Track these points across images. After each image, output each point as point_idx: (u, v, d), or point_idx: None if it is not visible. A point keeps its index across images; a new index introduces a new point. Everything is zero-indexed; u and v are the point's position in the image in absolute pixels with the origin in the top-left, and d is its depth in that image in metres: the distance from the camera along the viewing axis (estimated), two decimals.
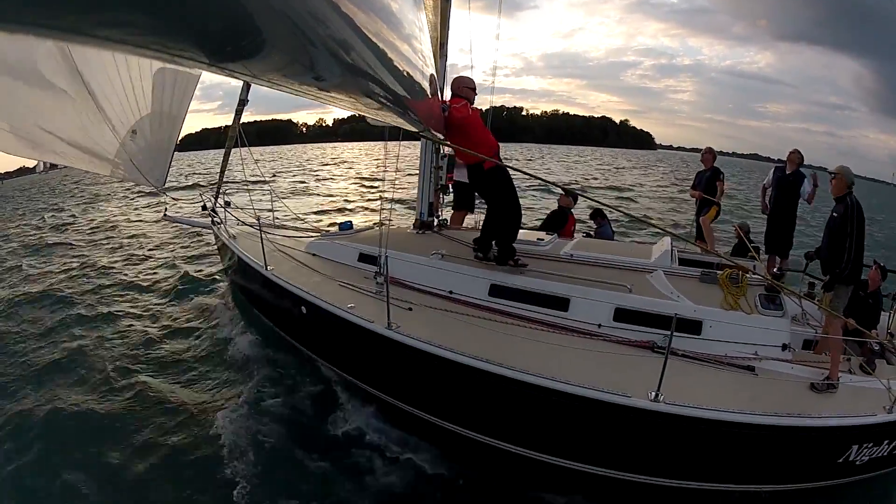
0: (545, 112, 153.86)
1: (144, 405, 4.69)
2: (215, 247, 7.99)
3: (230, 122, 6.75)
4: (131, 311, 7.07)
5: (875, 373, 3.73)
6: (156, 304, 7.36)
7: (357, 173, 29.57)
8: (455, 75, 4.84)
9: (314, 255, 5.35)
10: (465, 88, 4.53)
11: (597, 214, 6.78)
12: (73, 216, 16.74)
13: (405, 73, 2.41)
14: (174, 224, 9.25)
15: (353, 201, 18.10)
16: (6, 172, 43.57)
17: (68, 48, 4.49)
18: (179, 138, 6.55)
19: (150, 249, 10.89)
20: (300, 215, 8.78)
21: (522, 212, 4.61)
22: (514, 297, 4.18)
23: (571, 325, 3.92)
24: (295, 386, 4.87)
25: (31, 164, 41.02)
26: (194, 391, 4.99)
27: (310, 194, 20.36)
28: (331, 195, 20.11)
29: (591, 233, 6.99)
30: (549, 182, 6.77)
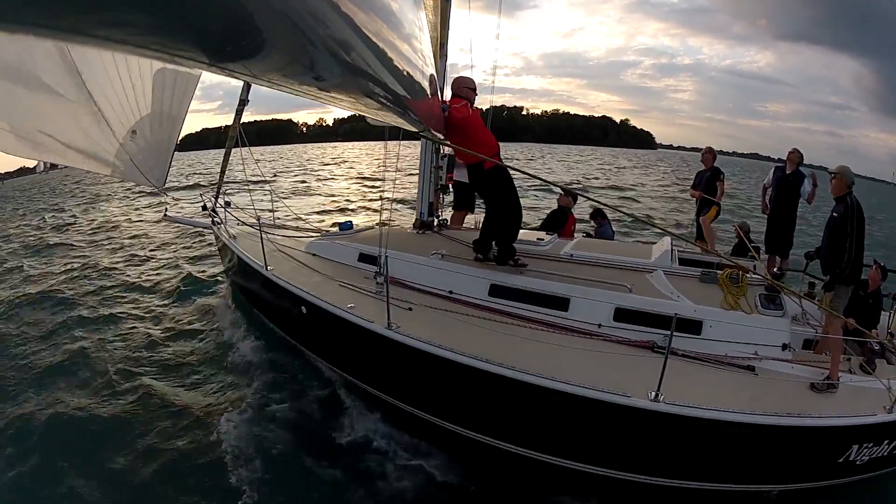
0: (545, 111, 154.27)
1: (147, 409, 4.64)
2: (216, 247, 7.99)
3: (230, 122, 6.77)
4: (133, 312, 7.04)
5: (875, 373, 3.72)
6: (158, 306, 7.33)
7: (358, 173, 29.53)
8: (455, 75, 4.86)
9: (314, 255, 5.35)
10: (465, 89, 4.54)
11: (597, 214, 6.78)
12: (74, 216, 16.71)
13: (405, 73, 2.41)
14: (175, 224, 9.25)
15: (354, 201, 18.08)
16: (6, 172, 43.75)
17: (67, 48, 4.48)
18: (180, 138, 6.54)
19: (151, 250, 10.87)
20: (301, 215, 8.77)
21: (523, 212, 4.61)
22: (514, 297, 4.18)
23: (571, 325, 3.92)
24: (299, 390, 4.80)
25: (31, 164, 41.09)
26: (198, 395, 4.93)
27: (311, 194, 20.32)
28: (332, 195, 20.07)
29: (592, 233, 6.99)
30: (549, 182, 6.76)
